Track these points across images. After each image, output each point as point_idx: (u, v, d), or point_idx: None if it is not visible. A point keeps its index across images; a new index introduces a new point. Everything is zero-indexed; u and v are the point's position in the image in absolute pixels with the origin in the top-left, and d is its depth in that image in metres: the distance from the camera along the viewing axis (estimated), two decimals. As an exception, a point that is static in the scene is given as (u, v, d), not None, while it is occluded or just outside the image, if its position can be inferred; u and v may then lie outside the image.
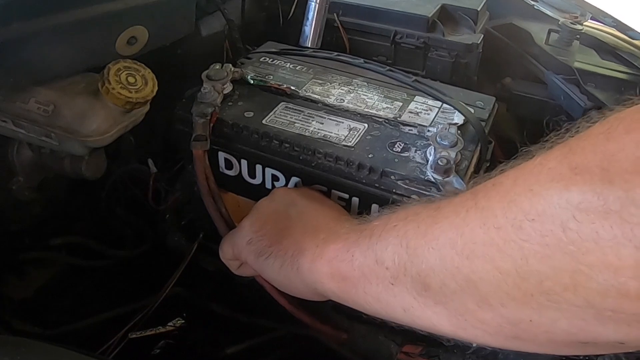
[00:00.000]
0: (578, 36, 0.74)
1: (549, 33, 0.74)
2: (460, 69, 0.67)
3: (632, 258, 0.23)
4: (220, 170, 0.57)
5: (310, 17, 0.59)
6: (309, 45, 0.61)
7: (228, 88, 0.57)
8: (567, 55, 0.70)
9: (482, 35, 0.68)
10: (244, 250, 0.47)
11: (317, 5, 0.59)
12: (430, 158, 0.48)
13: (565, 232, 0.25)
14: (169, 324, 0.84)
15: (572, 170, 0.26)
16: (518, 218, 0.27)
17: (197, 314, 0.77)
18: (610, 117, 0.26)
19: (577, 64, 0.68)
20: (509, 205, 0.28)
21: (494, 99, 0.60)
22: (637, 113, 0.25)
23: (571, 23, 0.72)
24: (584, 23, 0.80)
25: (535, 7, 0.80)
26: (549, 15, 0.79)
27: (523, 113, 0.74)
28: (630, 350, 0.27)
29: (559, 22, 0.73)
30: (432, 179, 0.46)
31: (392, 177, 0.48)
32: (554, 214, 0.25)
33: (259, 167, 0.54)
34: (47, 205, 0.70)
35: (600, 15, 0.80)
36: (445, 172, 0.46)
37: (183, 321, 0.84)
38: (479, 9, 0.70)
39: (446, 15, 0.71)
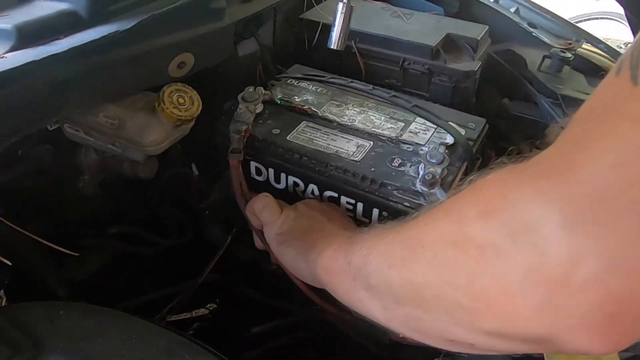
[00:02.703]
0: (570, 60, 0.82)
1: (543, 59, 0.83)
2: (460, 92, 0.77)
3: (464, 280, 0.34)
4: (252, 176, 0.69)
5: (336, 24, 0.69)
6: (335, 47, 0.70)
7: (259, 108, 0.69)
8: (556, 81, 0.79)
9: (480, 63, 0.78)
10: (271, 237, 0.60)
11: (342, 14, 0.68)
12: (421, 173, 0.59)
13: (436, 259, 0.36)
14: (203, 308, 0.96)
15: (445, 210, 0.38)
16: (413, 244, 0.39)
17: (229, 298, 0.89)
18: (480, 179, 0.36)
19: (563, 91, 0.77)
20: (415, 233, 0.39)
21: (484, 120, 0.70)
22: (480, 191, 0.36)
23: (561, 51, 0.81)
24: (582, 46, 0.89)
25: (534, 34, 0.89)
26: (545, 42, 0.88)
27: (519, 131, 0.83)
28: (481, 352, 0.38)
29: (551, 50, 0.82)
30: (420, 190, 0.57)
31: (389, 187, 0.59)
32: (436, 245, 0.37)
33: (283, 175, 0.66)
34: (106, 200, 0.83)
35: (594, 41, 0.89)
36: (431, 185, 0.57)
37: (216, 306, 0.96)
38: (478, 39, 0.80)
39: (450, 43, 0.80)
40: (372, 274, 0.43)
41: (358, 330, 0.64)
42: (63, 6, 0.57)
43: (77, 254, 0.66)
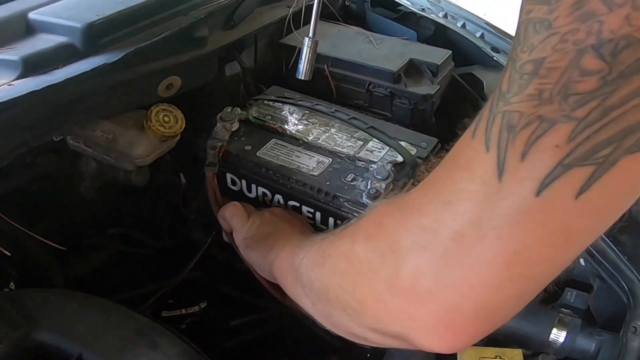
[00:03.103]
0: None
1: (500, 83, 0.91)
2: (418, 113, 0.86)
3: (351, 286, 0.43)
4: (228, 186, 0.78)
5: (303, 58, 0.78)
6: (303, 78, 0.79)
7: (235, 126, 0.78)
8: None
9: (439, 87, 0.86)
10: (238, 241, 0.70)
11: (308, 48, 0.77)
12: (368, 187, 0.67)
13: (335, 268, 0.46)
14: (196, 305, 1.05)
15: (347, 232, 0.47)
16: (325, 254, 0.48)
17: (215, 296, 0.98)
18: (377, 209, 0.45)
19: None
20: (328, 245, 0.48)
21: (437, 140, 0.78)
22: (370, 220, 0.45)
23: (515, 77, 0.89)
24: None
25: (495, 58, 0.97)
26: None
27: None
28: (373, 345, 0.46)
29: (507, 76, 0.90)
30: (366, 203, 0.66)
31: (341, 199, 0.68)
32: (336, 258, 0.46)
33: (253, 186, 0.75)
34: (105, 204, 0.92)
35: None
36: (375, 198, 0.66)
37: (206, 304, 1.05)
38: (439, 63, 0.88)
39: (412, 68, 0.88)
40: (303, 275, 0.52)
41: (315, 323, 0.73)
42: (62, 39, 0.68)
43: (64, 248, 0.75)
